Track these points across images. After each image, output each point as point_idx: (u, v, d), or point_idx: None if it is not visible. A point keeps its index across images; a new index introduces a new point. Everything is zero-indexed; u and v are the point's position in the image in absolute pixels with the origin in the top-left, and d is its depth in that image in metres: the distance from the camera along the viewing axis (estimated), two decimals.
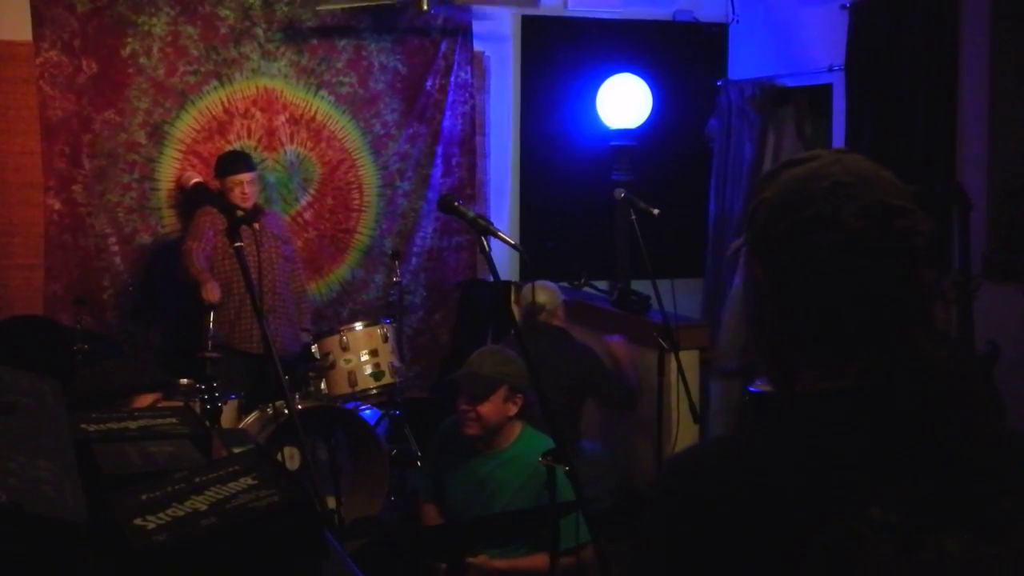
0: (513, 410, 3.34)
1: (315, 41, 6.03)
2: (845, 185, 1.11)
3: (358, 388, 5.10)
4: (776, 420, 1.13)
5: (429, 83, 6.27)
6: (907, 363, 1.08)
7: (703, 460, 1.13)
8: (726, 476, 1.07)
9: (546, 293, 4.78)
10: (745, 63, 6.72)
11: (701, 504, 1.05)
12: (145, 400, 2.78)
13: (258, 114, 5.95)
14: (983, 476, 1.06)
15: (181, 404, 4.12)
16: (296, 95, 6.02)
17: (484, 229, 2.66)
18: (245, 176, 5.17)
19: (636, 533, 1.12)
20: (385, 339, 5.23)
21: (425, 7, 5.89)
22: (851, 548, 1.00)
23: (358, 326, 5.23)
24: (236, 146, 5.84)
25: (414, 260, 6.34)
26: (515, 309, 5.48)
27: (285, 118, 6.01)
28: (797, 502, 1.02)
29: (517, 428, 3.38)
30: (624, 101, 6.13)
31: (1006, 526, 1.03)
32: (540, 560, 3.16)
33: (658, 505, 1.11)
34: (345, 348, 5.10)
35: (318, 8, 5.90)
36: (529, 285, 4.78)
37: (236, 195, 5.07)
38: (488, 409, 3.31)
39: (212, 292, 4.90)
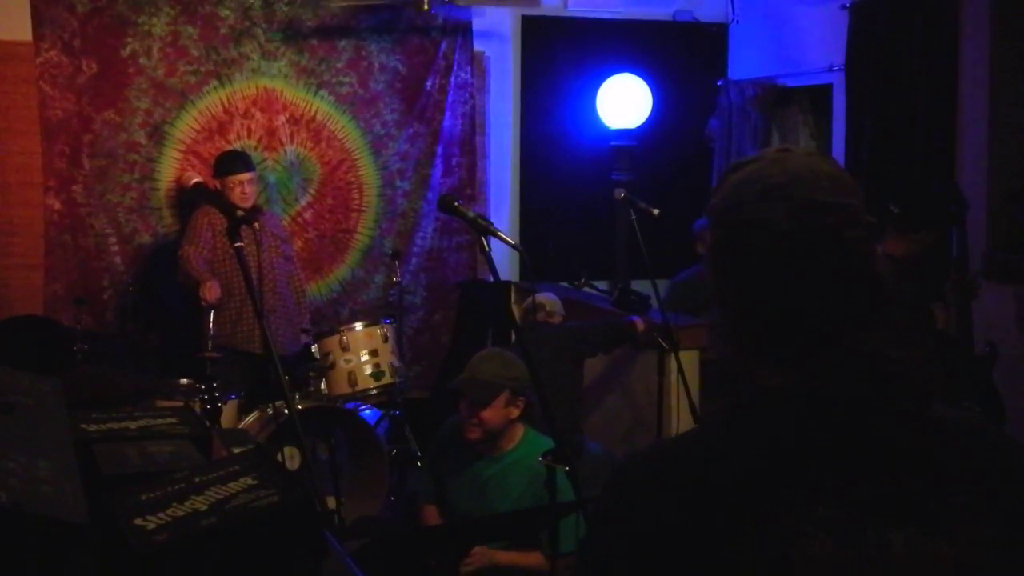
0: (515, 413, 3.33)
1: (315, 41, 6.03)
2: (776, 187, 1.13)
3: (358, 388, 5.09)
4: (727, 419, 1.15)
5: (429, 83, 6.27)
6: (847, 361, 1.09)
7: (654, 460, 1.15)
8: (673, 475, 1.09)
9: (550, 303, 4.99)
10: (745, 63, 6.73)
11: (649, 504, 1.07)
12: None
13: (258, 114, 5.95)
14: (931, 472, 1.06)
15: (181, 404, 4.13)
16: (296, 95, 6.02)
17: (484, 229, 2.66)
18: (245, 176, 5.15)
19: (588, 530, 1.14)
20: (385, 339, 5.23)
21: (425, 7, 5.89)
22: (791, 545, 1.01)
23: (358, 326, 5.23)
24: (236, 146, 5.84)
25: (414, 260, 6.34)
26: (515, 309, 5.49)
27: (285, 118, 6.01)
28: (741, 500, 1.03)
29: (519, 431, 3.38)
30: (624, 101, 6.13)
31: (956, 521, 1.04)
32: (539, 558, 3.15)
33: (609, 504, 1.13)
34: (345, 348, 5.10)
35: (320, 3, 5.90)
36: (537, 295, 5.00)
37: (236, 195, 5.06)
38: (490, 414, 3.29)
39: (211, 291, 4.88)
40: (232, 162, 5.23)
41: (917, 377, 1.10)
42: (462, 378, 3.39)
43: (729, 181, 1.19)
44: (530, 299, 5.03)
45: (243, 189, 5.10)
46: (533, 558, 3.22)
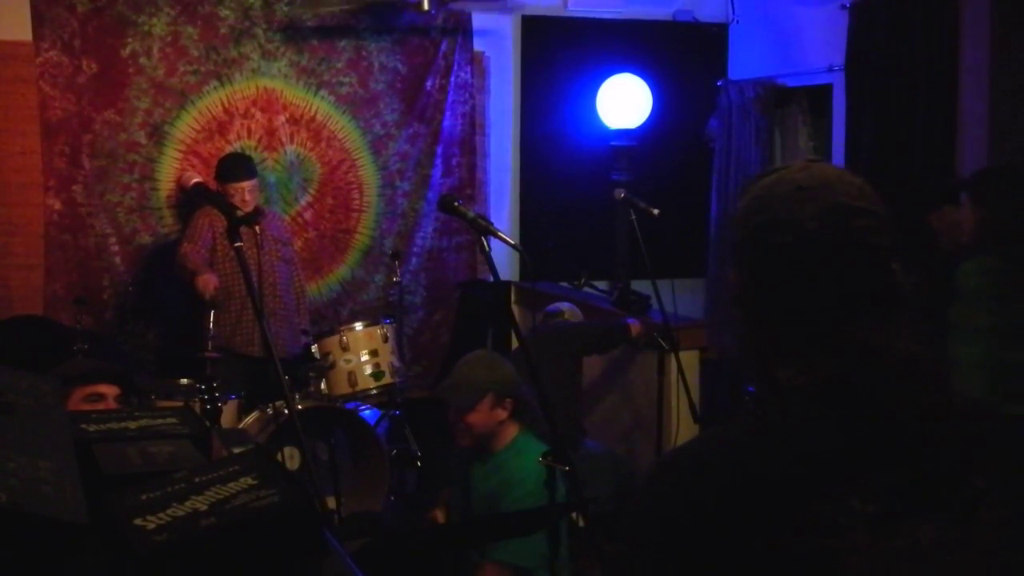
0: (503, 415, 3.30)
1: (315, 41, 6.03)
2: (804, 189, 1.17)
3: (358, 388, 5.09)
4: (757, 416, 1.18)
5: (429, 83, 6.27)
6: (860, 356, 1.12)
7: (691, 458, 1.17)
8: (711, 472, 1.11)
9: (570, 312, 5.01)
10: (745, 63, 6.73)
11: (690, 500, 1.09)
12: (83, 393, 2.72)
13: (258, 114, 5.94)
14: (952, 459, 1.10)
15: (181, 404, 4.13)
16: (296, 95, 6.02)
17: (484, 229, 2.66)
18: (246, 184, 5.12)
19: (627, 529, 1.15)
20: (385, 339, 5.23)
21: (425, 7, 5.89)
22: (831, 537, 1.03)
23: (358, 326, 5.23)
24: (236, 146, 5.84)
25: (414, 260, 6.34)
26: (515, 309, 5.50)
27: (285, 118, 6.01)
28: (780, 495, 1.06)
29: (511, 432, 3.34)
30: (624, 101, 6.12)
31: (978, 504, 1.08)
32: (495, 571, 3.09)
33: (649, 502, 1.15)
34: (345, 348, 5.10)
35: (319, 10, 5.90)
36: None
37: (236, 201, 5.02)
38: (476, 418, 3.25)
39: (207, 283, 4.81)
40: (233, 168, 5.18)
41: (931, 369, 1.14)
42: (444, 384, 3.35)
43: (757, 185, 1.23)
44: (555, 305, 5.06)
45: (243, 196, 5.07)
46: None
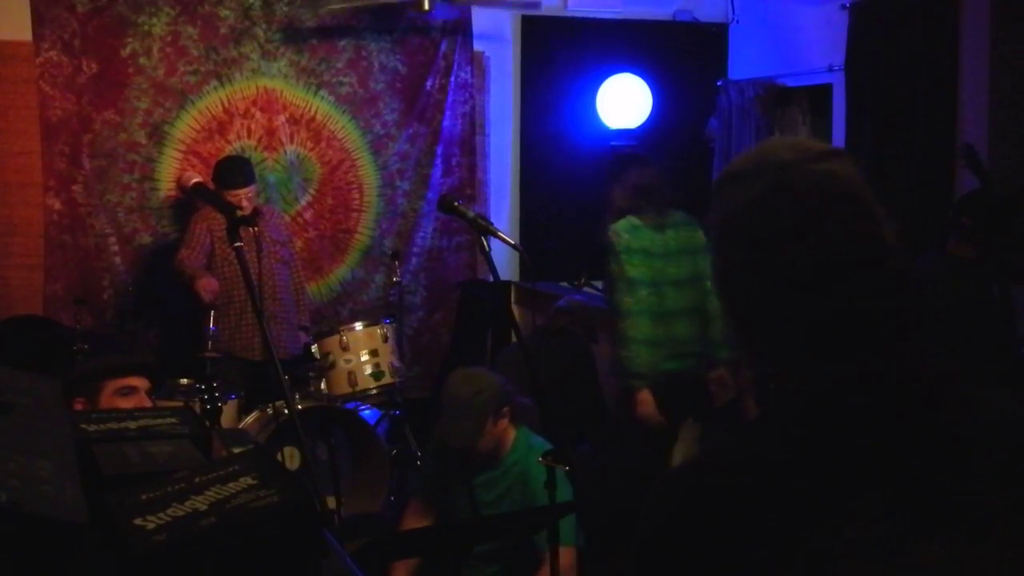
0: (504, 423, 3.32)
1: (315, 41, 6.03)
2: (829, 194, 1.10)
3: (358, 388, 5.09)
4: (760, 431, 1.15)
5: (429, 83, 6.27)
6: (874, 376, 1.07)
7: (690, 480, 1.15)
8: (705, 507, 1.08)
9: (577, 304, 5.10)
10: (745, 63, 6.73)
11: (690, 521, 1.08)
12: (115, 385, 2.71)
13: (258, 114, 5.94)
14: (967, 477, 1.05)
15: (181, 404, 4.13)
16: (296, 95, 6.02)
17: (484, 229, 2.66)
18: (243, 191, 5.07)
19: (631, 551, 1.13)
20: (385, 339, 5.23)
21: (425, 7, 5.89)
22: (826, 565, 1.00)
23: (358, 326, 5.22)
24: (236, 146, 5.84)
25: (414, 260, 6.34)
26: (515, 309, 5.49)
27: (285, 118, 6.01)
28: (771, 527, 1.03)
29: (511, 435, 3.35)
30: (624, 101, 6.13)
31: (995, 524, 1.03)
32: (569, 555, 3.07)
33: (652, 523, 1.13)
34: (345, 348, 5.10)
35: (320, 10, 5.90)
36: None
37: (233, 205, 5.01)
38: (485, 441, 3.27)
39: (207, 285, 4.81)
40: (232, 175, 5.11)
41: (952, 386, 1.09)
42: (444, 429, 3.31)
43: (770, 180, 1.13)
44: (564, 299, 5.08)
45: (241, 203, 5.05)
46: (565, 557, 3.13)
